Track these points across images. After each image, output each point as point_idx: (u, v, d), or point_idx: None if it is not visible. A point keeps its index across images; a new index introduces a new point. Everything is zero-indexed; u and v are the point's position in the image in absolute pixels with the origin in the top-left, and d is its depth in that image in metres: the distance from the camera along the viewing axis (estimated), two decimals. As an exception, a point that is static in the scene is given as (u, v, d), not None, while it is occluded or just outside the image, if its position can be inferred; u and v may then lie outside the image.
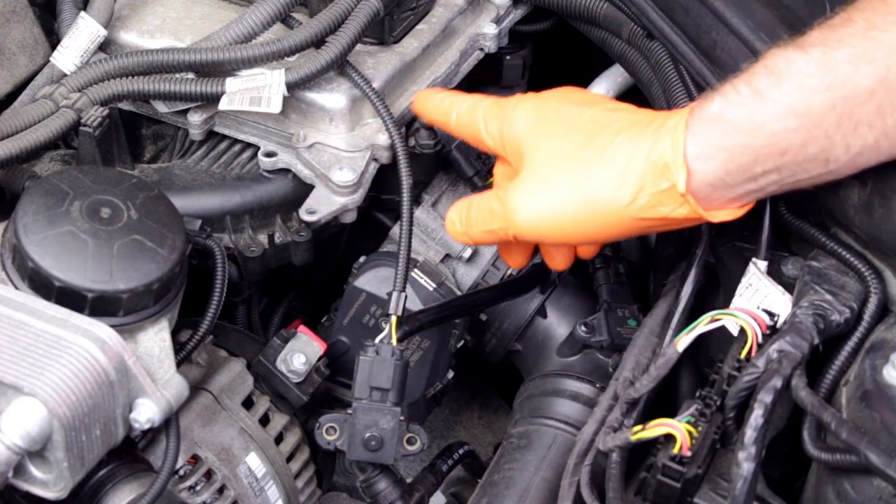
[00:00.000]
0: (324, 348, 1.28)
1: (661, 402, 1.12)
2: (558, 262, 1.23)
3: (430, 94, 1.24)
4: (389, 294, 1.19)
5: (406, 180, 1.24)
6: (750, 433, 0.93)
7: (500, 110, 1.14)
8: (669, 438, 0.98)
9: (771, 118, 0.95)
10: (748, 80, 0.96)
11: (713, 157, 0.98)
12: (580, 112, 1.09)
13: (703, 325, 1.04)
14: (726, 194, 1.00)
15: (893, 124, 0.91)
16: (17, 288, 1.03)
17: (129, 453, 1.13)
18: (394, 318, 1.18)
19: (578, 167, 1.04)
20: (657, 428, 0.99)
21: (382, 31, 1.33)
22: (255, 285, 1.44)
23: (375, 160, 1.28)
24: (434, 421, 1.79)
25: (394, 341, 1.17)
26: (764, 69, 0.96)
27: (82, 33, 1.27)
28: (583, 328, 1.33)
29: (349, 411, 1.17)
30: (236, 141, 1.33)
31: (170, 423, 1.06)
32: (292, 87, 1.24)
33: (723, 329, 1.04)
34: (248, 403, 1.26)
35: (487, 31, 1.44)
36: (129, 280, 1.02)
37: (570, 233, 1.07)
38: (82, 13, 1.29)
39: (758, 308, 1.06)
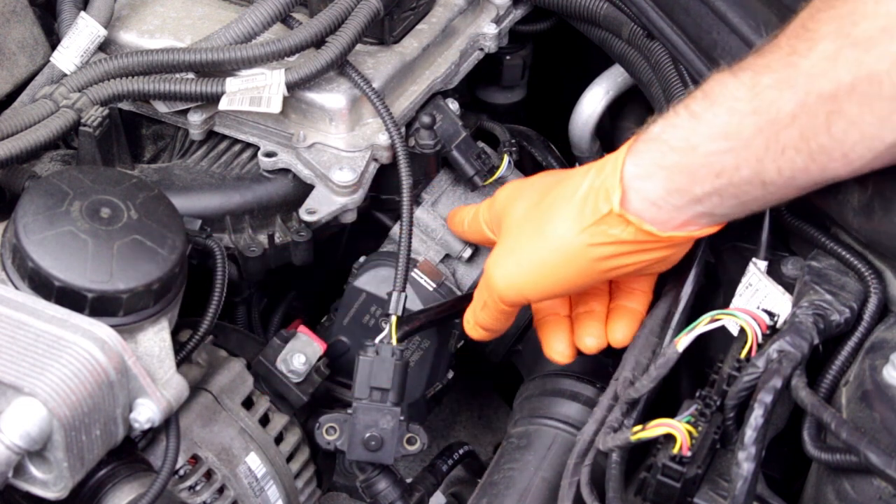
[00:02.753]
0: (324, 348, 1.28)
1: (661, 402, 1.11)
2: (557, 350, 1.20)
3: (450, 216, 1.33)
4: (389, 294, 1.20)
5: (406, 180, 1.25)
6: (750, 433, 0.93)
7: (490, 199, 1.22)
8: (669, 438, 0.98)
9: (704, 140, 0.97)
10: (687, 103, 0.99)
11: (652, 176, 1.00)
12: (548, 176, 1.15)
13: (703, 325, 1.04)
14: (676, 216, 1.01)
15: (818, 148, 0.92)
16: (17, 288, 1.03)
17: (129, 453, 1.13)
18: (394, 318, 1.18)
19: (538, 219, 1.08)
20: (657, 428, 0.99)
21: (382, 31, 1.33)
22: (255, 285, 1.44)
23: (375, 160, 1.28)
24: (434, 421, 1.79)
25: (394, 341, 1.18)
26: (701, 93, 0.98)
27: (82, 33, 1.28)
28: (583, 328, 1.33)
29: (349, 411, 1.17)
30: (236, 141, 1.33)
31: (170, 423, 1.06)
32: (292, 87, 1.24)
33: (723, 329, 1.04)
34: (248, 403, 1.26)
35: (487, 31, 1.44)
36: (129, 280, 1.02)
37: (544, 285, 1.09)
38: (82, 13, 1.29)
39: (758, 308, 1.06)
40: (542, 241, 1.07)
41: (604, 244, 1.04)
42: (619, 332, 1.17)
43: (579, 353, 1.34)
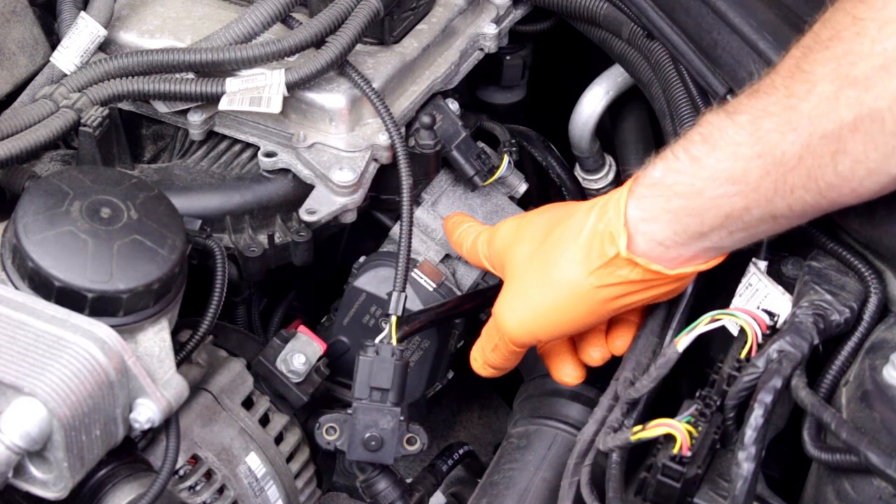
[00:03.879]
0: (324, 348, 1.28)
1: (661, 402, 1.11)
2: (567, 373, 1.22)
3: (450, 228, 1.30)
4: (389, 294, 1.19)
5: (406, 180, 1.25)
6: (750, 433, 0.93)
7: (489, 234, 1.22)
8: (669, 438, 0.98)
9: (709, 184, 0.97)
10: (686, 146, 0.99)
11: (658, 219, 1.01)
12: (546, 212, 1.15)
13: (703, 325, 1.04)
14: (683, 252, 1.02)
15: (826, 186, 0.93)
16: (17, 288, 1.03)
17: (129, 453, 1.13)
18: (394, 318, 1.18)
19: (544, 262, 1.09)
20: (657, 428, 0.99)
21: (382, 31, 1.33)
22: (255, 285, 1.44)
23: (375, 160, 1.28)
24: (434, 421, 1.79)
25: (394, 341, 1.18)
26: (699, 136, 0.98)
27: (82, 33, 1.27)
28: (583, 328, 1.33)
29: (349, 411, 1.17)
30: (236, 141, 1.33)
31: (170, 423, 1.06)
32: (292, 87, 1.24)
33: (723, 329, 1.04)
34: (248, 403, 1.26)
35: (487, 31, 1.44)
36: (129, 280, 1.02)
37: (555, 327, 1.11)
38: (82, 13, 1.29)
39: (758, 308, 1.06)
40: (551, 285, 1.08)
41: (612, 285, 1.05)
42: (619, 341, 1.18)
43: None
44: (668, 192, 1.00)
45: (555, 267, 1.07)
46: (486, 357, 1.20)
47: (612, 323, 1.18)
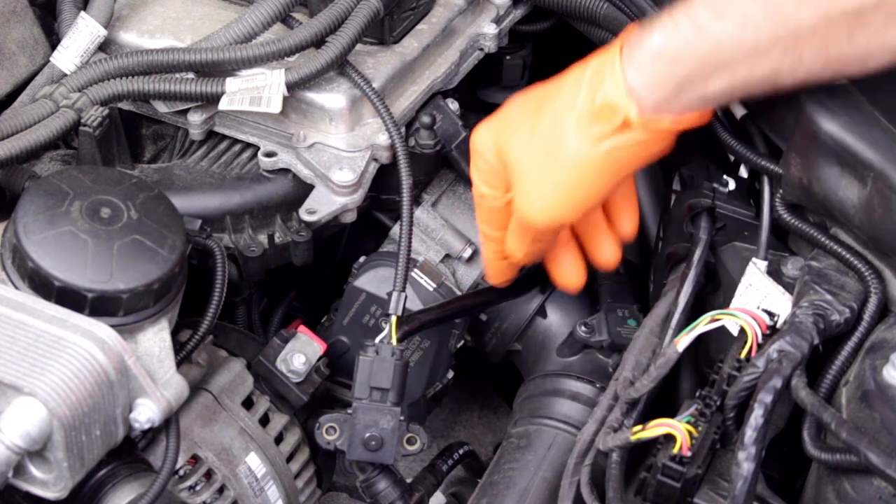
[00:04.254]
0: (324, 348, 1.28)
1: (661, 402, 1.11)
2: (569, 275, 1.24)
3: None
4: (389, 294, 1.19)
5: (406, 180, 1.25)
6: (750, 433, 0.93)
7: (475, 157, 1.18)
8: (669, 438, 0.98)
9: (715, 52, 0.98)
10: (689, 15, 0.99)
11: (662, 85, 1.02)
12: (522, 102, 1.15)
13: (703, 325, 1.04)
14: (685, 111, 1.04)
15: (836, 56, 0.94)
16: (17, 288, 1.03)
17: (129, 453, 1.13)
18: (394, 318, 1.18)
19: (545, 144, 1.09)
20: (657, 428, 0.99)
21: (382, 31, 1.33)
22: (255, 285, 1.44)
23: (375, 160, 1.28)
24: (434, 421, 1.79)
25: (394, 341, 1.18)
26: (703, 6, 0.99)
27: (82, 33, 1.27)
28: (583, 328, 1.33)
29: (349, 411, 1.17)
30: (236, 141, 1.33)
31: (170, 423, 1.06)
32: (292, 87, 1.24)
33: (723, 329, 1.04)
34: (248, 403, 1.26)
35: (487, 31, 1.44)
36: (129, 280, 1.02)
37: (576, 203, 1.11)
38: (82, 13, 1.29)
39: (758, 308, 1.06)
40: (561, 164, 1.08)
41: (621, 150, 1.06)
42: (626, 225, 1.21)
43: (580, 351, 1.34)
44: (671, 59, 1.00)
45: (560, 146, 1.07)
46: (517, 251, 1.19)
47: (611, 208, 1.20)
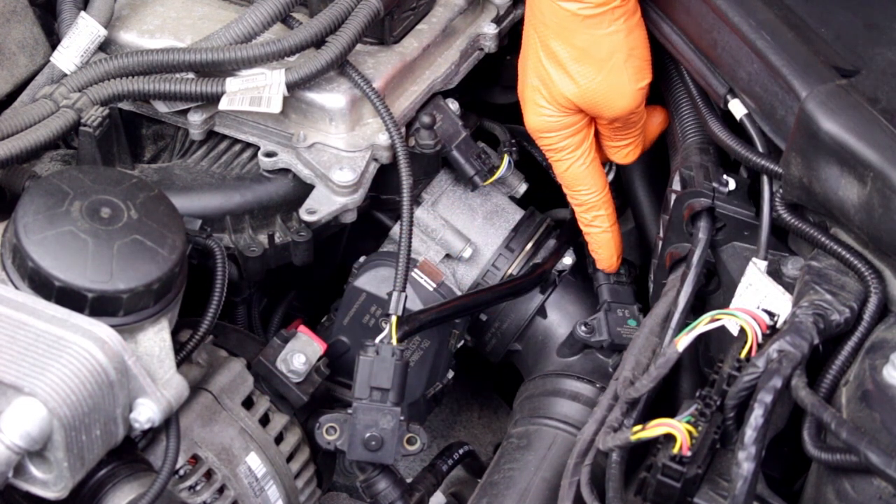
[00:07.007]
0: (324, 348, 1.28)
1: (661, 401, 1.12)
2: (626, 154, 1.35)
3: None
4: (389, 294, 1.19)
5: (406, 180, 1.24)
6: (750, 433, 0.93)
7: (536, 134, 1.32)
8: (669, 438, 0.98)
9: None
10: None
11: None
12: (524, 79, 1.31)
13: (703, 325, 1.04)
14: None
15: None
16: (17, 288, 1.03)
17: (129, 453, 1.13)
18: (394, 318, 1.18)
19: (575, 61, 1.25)
20: (657, 428, 0.99)
21: (382, 31, 1.33)
22: (255, 285, 1.44)
23: (375, 160, 1.28)
24: (434, 421, 1.79)
25: (394, 341, 1.17)
26: None
27: (82, 33, 1.27)
28: (583, 328, 1.33)
29: (349, 411, 1.17)
30: (236, 141, 1.33)
31: (170, 423, 1.06)
32: (292, 87, 1.24)
33: (723, 329, 1.04)
34: (248, 403, 1.26)
35: (487, 31, 1.44)
36: (129, 280, 1.02)
37: (633, 70, 1.24)
38: (82, 13, 1.29)
39: (758, 308, 1.06)
40: (593, 60, 1.23)
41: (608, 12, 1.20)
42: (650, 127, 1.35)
43: (580, 351, 1.34)
44: None
45: (583, 50, 1.23)
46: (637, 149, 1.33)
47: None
